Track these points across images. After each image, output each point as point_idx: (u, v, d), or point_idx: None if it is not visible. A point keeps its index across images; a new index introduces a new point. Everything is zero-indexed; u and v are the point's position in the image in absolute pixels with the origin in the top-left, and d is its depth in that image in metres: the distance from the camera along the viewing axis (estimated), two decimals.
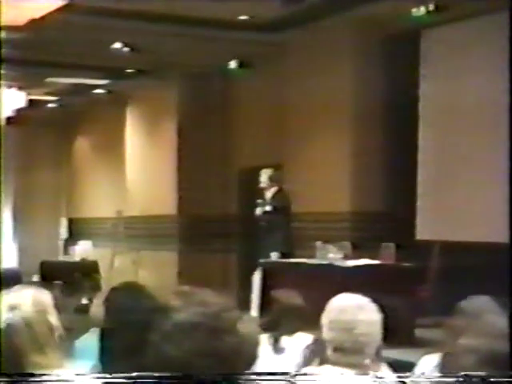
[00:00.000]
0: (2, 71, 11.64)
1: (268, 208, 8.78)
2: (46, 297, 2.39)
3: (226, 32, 9.72)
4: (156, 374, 1.80)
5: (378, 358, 2.86)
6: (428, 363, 3.52)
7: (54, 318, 2.37)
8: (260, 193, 9.02)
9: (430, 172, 8.89)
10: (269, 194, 8.91)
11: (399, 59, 9.18)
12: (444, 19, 8.52)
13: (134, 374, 1.92)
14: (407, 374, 2.78)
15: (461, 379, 2.25)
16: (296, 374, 2.23)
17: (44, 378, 2.12)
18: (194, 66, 11.36)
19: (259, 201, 8.93)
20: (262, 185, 8.97)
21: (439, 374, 2.79)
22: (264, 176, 8.98)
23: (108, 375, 2.11)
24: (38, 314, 2.32)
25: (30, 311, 2.31)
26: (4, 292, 2.36)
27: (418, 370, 3.60)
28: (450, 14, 8.30)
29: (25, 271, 8.99)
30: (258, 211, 8.86)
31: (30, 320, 2.29)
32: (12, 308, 2.31)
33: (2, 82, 12.20)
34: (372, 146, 9.40)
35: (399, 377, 2.44)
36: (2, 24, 8.79)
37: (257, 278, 8.68)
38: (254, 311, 8.26)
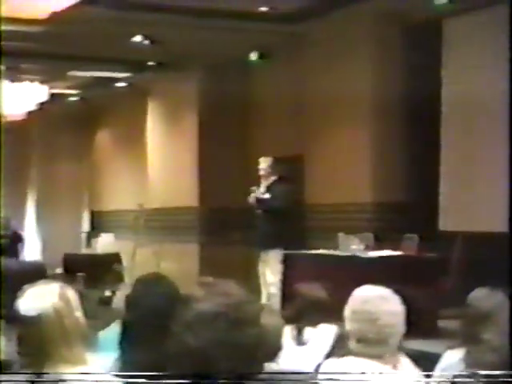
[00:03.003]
0: (24, 65, 11.73)
1: (264, 196, 8.71)
2: (70, 292, 2.42)
3: (245, 23, 9.70)
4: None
5: (397, 348, 2.85)
6: (452, 357, 3.49)
7: (79, 313, 2.39)
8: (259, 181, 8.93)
9: (453, 162, 8.83)
10: (267, 183, 8.84)
11: (419, 49, 9.10)
12: (466, 7, 8.43)
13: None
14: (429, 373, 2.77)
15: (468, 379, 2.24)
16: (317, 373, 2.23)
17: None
18: (215, 57, 11.35)
19: (253, 188, 8.87)
20: (261, 173, 8.90)
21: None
22: (263, 164, 8.92)
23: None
24: (65, 307, 2.34)
25: (58, 304, 2.33)
26: (29, 286, 2.39)
27: (441, 363, 3.58)
28: (472, 1, 8.21)
29: (48, 264, 9.05)
30: (251, 199, 8.78)
31: (59, 312, 2.32)
32: (40, 300, 2.33)
33: (25, 76, 12.28)
34: (393, 137, 9.34)
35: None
36: (24, 18, 8.84)
37: (262, 269, 8.67)
38: (267, 299, 8.26)
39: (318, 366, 3.04)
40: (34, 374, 2.20)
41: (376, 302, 2.71)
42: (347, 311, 2.76)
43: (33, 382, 2.15)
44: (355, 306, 2.73)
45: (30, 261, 12.99)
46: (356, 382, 2.14)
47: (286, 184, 8.97)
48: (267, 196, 8.68)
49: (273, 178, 8.84)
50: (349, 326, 2.74)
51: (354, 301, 2.76)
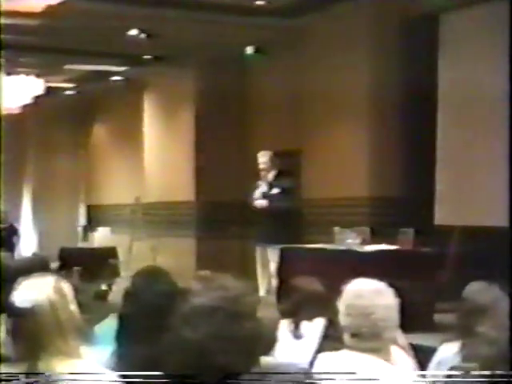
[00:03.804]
0: (20, 59, 11.70)
1: (273, 190, 8.70)
2: (66, 285, 2.42)
3: (242, 17, 9.68)
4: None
5: (392, 342, 2.85)
6: (447, 351, 3.50)
7: (74, 307, 2.39)
8: (261, 175, 8.91)
9: (449, 156, 8.83)
10: (268, 177, 8.82)
11: (417, 45, 9.10)
12: (463, 2, 8.43)
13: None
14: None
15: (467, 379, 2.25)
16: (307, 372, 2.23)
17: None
18: (211, 51, 11.33)
19: (259, 182, 8.84)
20: (261, 167, 8.87)
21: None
22: (262, 158, 8.89)
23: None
24: (60, 300, 2.34)
25: (53, 296, 2.33)
26: (25, 278, 2.39)
27: (437, 357, 3.59)
28: None
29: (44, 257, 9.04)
30: (258, 194, 8.76)
31: (54, 305, 2.32)
32: (35, 292, 2.33)
33: (20, 69, 12.26)
34: (390, 131, 9.34)
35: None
36: (20, 11, 8.82)
37: (259, 263, 8.67)
38: (264, 293, 8.26)
39: (312, 360, 3.05)
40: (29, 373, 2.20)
41: (370, 295, 2.70)
42: (341, 305, 2.76)
43: (27, 374, 2.15)
44: (349, 300, 2.73)
45: (33, 255, 13.00)
46: (350, 379, 2.14)
47: (290, 178, 8.97)
48: (275, 191, 8.67)
49: (273, 172, 8.84)
50: (343, 320, 2.74)
51: (347, 295, 2.75)
